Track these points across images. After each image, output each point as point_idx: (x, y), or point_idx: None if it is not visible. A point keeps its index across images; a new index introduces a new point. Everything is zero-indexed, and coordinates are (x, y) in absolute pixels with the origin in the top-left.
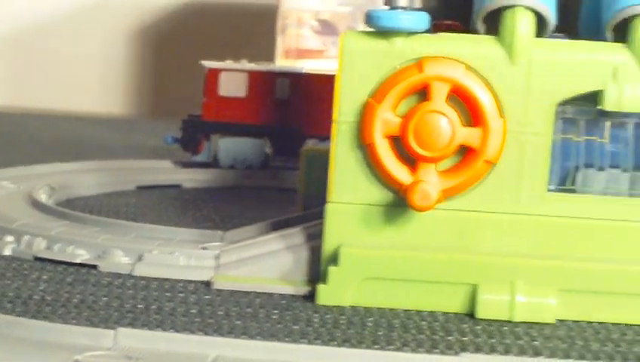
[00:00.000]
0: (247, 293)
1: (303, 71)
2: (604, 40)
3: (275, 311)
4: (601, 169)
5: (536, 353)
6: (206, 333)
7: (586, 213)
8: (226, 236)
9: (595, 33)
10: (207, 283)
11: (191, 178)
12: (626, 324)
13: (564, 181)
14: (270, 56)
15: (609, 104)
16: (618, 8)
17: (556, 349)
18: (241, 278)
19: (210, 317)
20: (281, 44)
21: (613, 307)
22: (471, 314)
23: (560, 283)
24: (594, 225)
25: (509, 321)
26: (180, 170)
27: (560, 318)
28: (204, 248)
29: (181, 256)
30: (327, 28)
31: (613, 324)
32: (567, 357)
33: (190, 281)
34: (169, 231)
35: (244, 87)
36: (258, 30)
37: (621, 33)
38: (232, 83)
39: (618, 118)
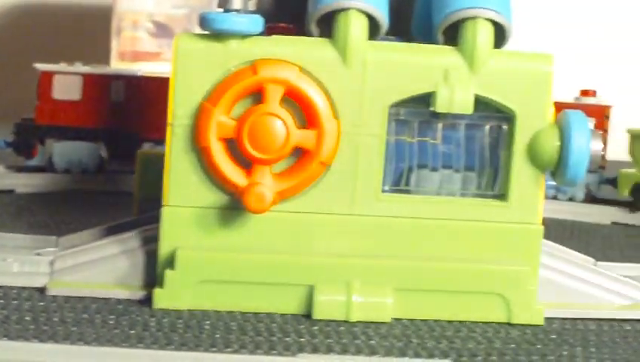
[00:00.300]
0: (82, 299)
1: (139, 74)
2: (436, 43)
3: (112, 317)
4: (434, 169)
5: (373, 352)
6: (41, 340)
7: (420, 213)
8: (60, 241)
9: (427, 36)
10: (41, 290)
11: (25, 183)
12: (460, 321)
13: (399, 182)
14: (105, 59)
15: (440, 106)
16: (448, 11)
17: (392, 348)
18: (76, 284)
19: (45, 324)
20: (116, 46)
21: (447, 305)
22: (308, 315)
23: (395, 283)
24: (428, 224)
25: (346, 321)
26: (14, 175)
27: (396, 317)
28: (38, 254)
29: (15, 262)
30: (162, 30)
31: (446, 321)
32: (404, 355)
33: (24, 288)
34: (2, 238)
35: (79, 90)
36: (92, 32)
37: (452, 36)
38: (66, 86)
39: (450, 119)
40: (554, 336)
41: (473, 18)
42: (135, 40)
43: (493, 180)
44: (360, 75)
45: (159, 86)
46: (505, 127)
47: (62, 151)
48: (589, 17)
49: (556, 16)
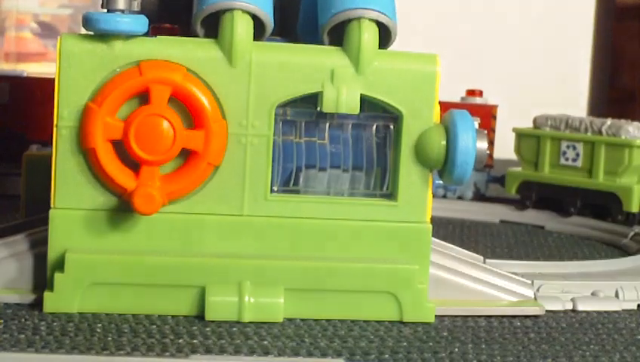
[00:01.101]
0: None
1: (24, 74)
2: (322, 43)
3: (0, 321)
4: (322, 169)
5: (266, 352)
6: None
7: (309, 213)
8: None
9: (313, 37)
10: None
11: None
12: (352, 320)
13: (288, 182)
14: None
15: (327, 106)
16: (333, 12)
17: (285, 347)
18: None
19: None
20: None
21: (339, 304)
22: (201, 317)
23: (287, 283)
24: (317, 224)
25: (239, 322)
26: None
27: (288, 317)
28: None
29: None
30: (48, 30)
31: (340, 321)
32: (297, 354)
33: None
34: None
35: None
36: None
37: (337, 37)
38: None
39: (336, 119)
40: (445, 334)
41: (358, 19)
42: (20, 40)
43: (381, 180)
44: (246, 75)
45: (45, 86)
46: (392, 126)
47: None
48: (475, 17)
49: (443, 16)
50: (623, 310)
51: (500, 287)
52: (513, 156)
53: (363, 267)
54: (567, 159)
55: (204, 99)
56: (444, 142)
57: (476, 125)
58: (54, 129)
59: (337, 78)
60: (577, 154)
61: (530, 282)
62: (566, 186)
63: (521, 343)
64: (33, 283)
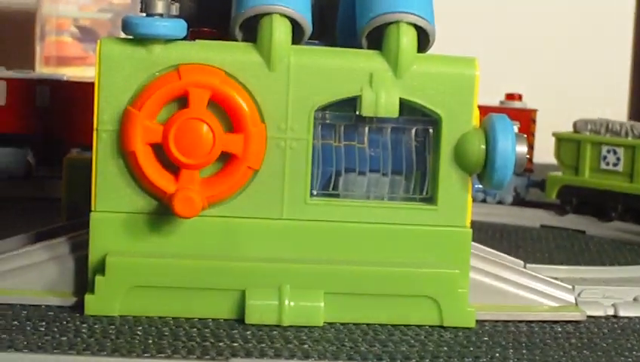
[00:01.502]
0: (12, 306)
1: (64, 78)
2: (361, 47)
3: (42, 323)
4: (361, 173)
5: (306, 356)
6: None
7: (349, 217)
8: None
9: (351, 40)
10: None
11: None
12: (393, 325)
13: (327, 186)
14: (30, 64)
15: (366, 109)
16: (372, 16)
17: (325, 351)
18: (5, 291)
19: None
20: (40, 51)
21: (379, 308)
22: (241, 320)
23: (327, 287)
24: (357, 228)
25: (279, 325)
26: None
27: (328, 321)
28: None
29: None
30: (87, 34)
31: (380, 325)
32: (337, 358)
33: None
34: None
35: (3, 96)
36: (16, 37)
37: (376, 40)
38: None
39: (375, 123)
40: (486, 338)
41: (396, 22)
42: (60, 44)
43: (421, 184)
44: (284, 79)
45: (85, 90)
46: (431, 130)
47: None
48: (515, 20)
49: (482, 20)
50: None
51: (541, 292)
52: (553, 160)
53: (403, 271)
54: (607, 163)
55: (243, 103)
56: (483, 146)
57: (515, 129)
58: (94, 132)
59: (376, 82)
60: (618, 159)
61: (571, 287)
62: (607, 191)
63: (563, 349)
64: (74, 286)
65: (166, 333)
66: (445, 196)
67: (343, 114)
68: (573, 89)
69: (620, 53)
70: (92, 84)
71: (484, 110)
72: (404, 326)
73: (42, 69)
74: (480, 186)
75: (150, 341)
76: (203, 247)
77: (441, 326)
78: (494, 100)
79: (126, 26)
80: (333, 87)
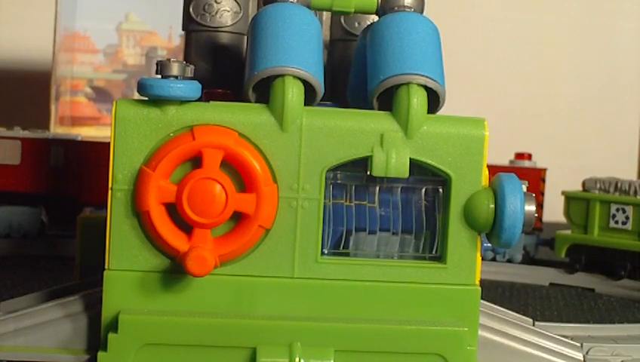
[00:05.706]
0: None
1: (79, 138)
2: (372, 108)
3: None
4: (372, 232)
5: None
6: None
7: (359, 276)
8: (2, 306)
9: (362, 102)
10: None
11: None
12: None
13: (338, 245)
14: (45, 124)
15: (377, 170)
16: (382, 78)
17: None
18: (19, 348)
19: None
20: (55, 111)
21: None
22: None
23: (337, 344)
24: (367, 286)
25: None
26: None
27: None
28: None
29: None
30: (101, 95)
31: None
32: None
33: None
34: None
35: (18, 155)
36: (32, 97)
37: (387, 101)
38: (6, 150)
39: (386, 183)
40: None
41: (407, 84)
42: (74, 105)
43: (430, 242)
44: (296, 140)
45: (99, 150)
46: (441, 190)
47: (2, 216)
48: (523, 80)
49: (492, 79)
50: None
51: (550, 350)
52: (562, 219)
53: (412, 329)
54: (616, 222)
55: (256, 164)
56: (492, 206)
57: (524, 188)
58: (109, 192)
59: (387, 143)
60: (627, 218)
61: (579, 345)
62: (616, 249)
63: None
64: (88, 344)
65: None
66: (455, 255)
67: (354, 174)
68: (582, 148)
69: (628, 112)
70: (106, 144)
71: (494, 169)
72: None
73: (57, 129)
74: (489, 245)
75: None
76: (215, 305)
77: None
78: (504, 160)
79: (142, 88)
80: (345, 148)
